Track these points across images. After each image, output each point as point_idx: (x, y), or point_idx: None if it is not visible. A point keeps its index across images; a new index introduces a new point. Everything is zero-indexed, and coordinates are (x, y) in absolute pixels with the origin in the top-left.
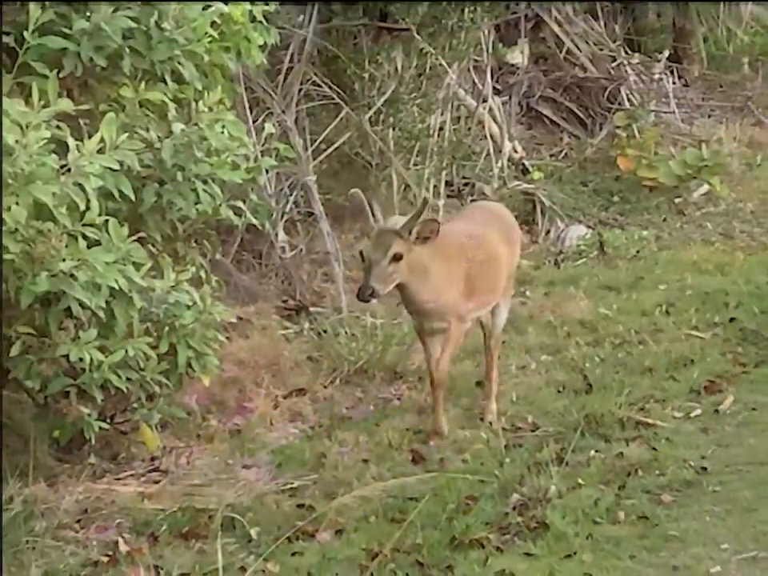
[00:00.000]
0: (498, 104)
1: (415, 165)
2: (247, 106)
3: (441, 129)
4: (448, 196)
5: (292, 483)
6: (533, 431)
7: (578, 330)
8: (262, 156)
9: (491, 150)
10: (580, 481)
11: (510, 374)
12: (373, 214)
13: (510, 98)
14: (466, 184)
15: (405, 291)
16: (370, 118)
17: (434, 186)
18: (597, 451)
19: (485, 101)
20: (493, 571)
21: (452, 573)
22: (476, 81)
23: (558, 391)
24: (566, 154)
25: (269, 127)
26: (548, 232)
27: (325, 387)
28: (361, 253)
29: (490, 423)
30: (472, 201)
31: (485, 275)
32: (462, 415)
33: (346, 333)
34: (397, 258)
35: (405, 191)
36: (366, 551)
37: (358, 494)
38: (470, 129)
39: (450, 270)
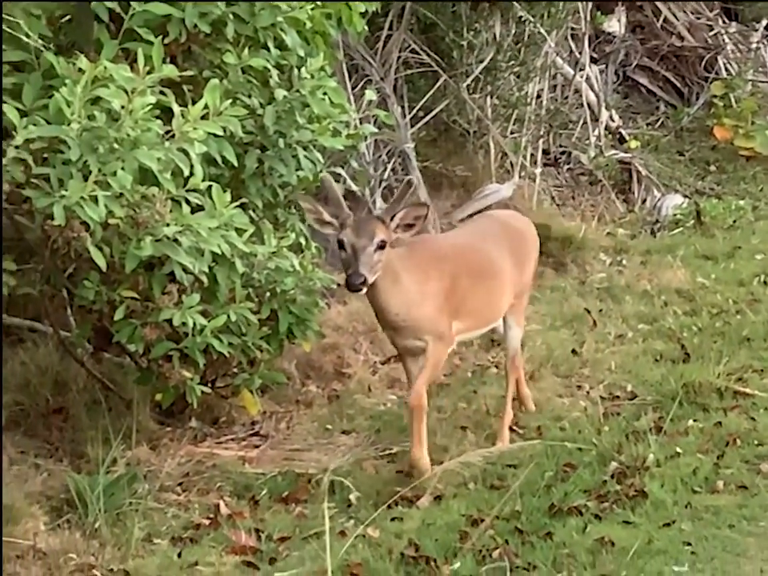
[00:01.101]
0: (595, 72)
1: (512, 133)
2: (346, 73)
3: (538, 97)
4: (545, 164)
5: (391, 449)
6: (630, 400)
7: (675, 299)
8: (361, 123)
9: (588, 119)
10: (678, 450)
11: (607, 343)
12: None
13: (607, 66)
14: (562, 152)
15: (375, 295)
16: (467, 85)
17: (531, 155)
18: (695, 420)
19: (582, 69)
20: (591, 539)
21: (551, 540)
22: (573, 49)
23: (656, 360)
24: (662, 123)
25: (369, 94)
26: (644, 201)
27: None
28: (340, 242)
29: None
30: (568, 169)
31: (475, 293)
32: (559, 384)
33: None
34: (382, 245)
35: (502, 159)
36: (465, 517)
37: (458, 461)
38: (566, 97)
39: (425, 283)
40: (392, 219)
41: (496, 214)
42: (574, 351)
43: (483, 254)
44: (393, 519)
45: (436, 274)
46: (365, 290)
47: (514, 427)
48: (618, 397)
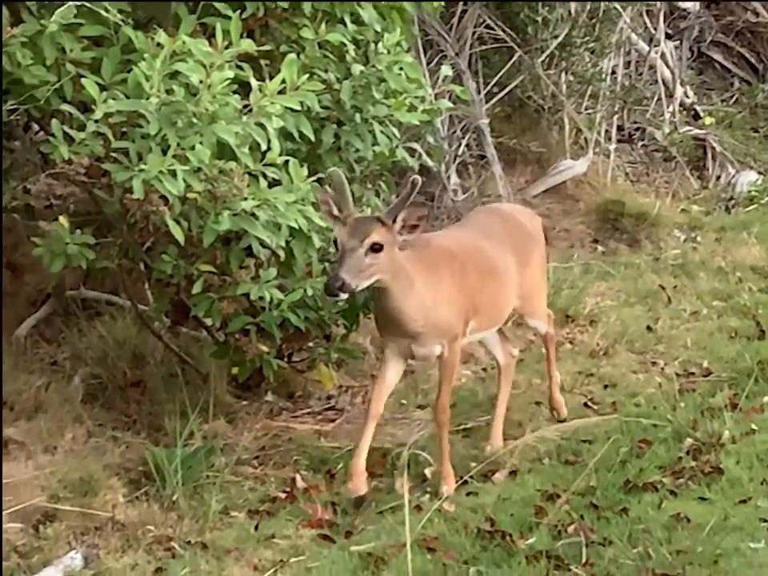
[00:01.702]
0: (670, 48)
1: (587, 109)
2: (421, 48)
3: (613, 73)
4: (619, 141)
5: (465, 424)
6: (705, 376)
7: (749, 275)
8: (436, 98)
9: (662, 95)
10: (754, 426)
11: (682, 319)
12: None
13: (682, 42)
14: (637, 129)
15: (387, 303)
16: (542, 61)
17: (605, 131)
18: None
19: (656, 45)
20: (667, 515)
21: (626, 515)
22: (648, 25)
23: (731, 337)
24: (736, 99)
25: (445, 69)
26: (719, 178)
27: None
28: (335, 241)
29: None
30: (642, 146)
31: (484, 290)
32: (634, 360)
33: None
34: (376, 248)
35: (576, 135)
36: (540, 492)
37: (535, 436)
38: (641, 73)
39: (438, 284)
40: (394, 221)
41: (496, 207)
42: (648, 327)
43: (485, 251)
44: (468, 494)
45: (448, 273)
46: (344, 296)
47: (589, 403)
48: (693, 373)
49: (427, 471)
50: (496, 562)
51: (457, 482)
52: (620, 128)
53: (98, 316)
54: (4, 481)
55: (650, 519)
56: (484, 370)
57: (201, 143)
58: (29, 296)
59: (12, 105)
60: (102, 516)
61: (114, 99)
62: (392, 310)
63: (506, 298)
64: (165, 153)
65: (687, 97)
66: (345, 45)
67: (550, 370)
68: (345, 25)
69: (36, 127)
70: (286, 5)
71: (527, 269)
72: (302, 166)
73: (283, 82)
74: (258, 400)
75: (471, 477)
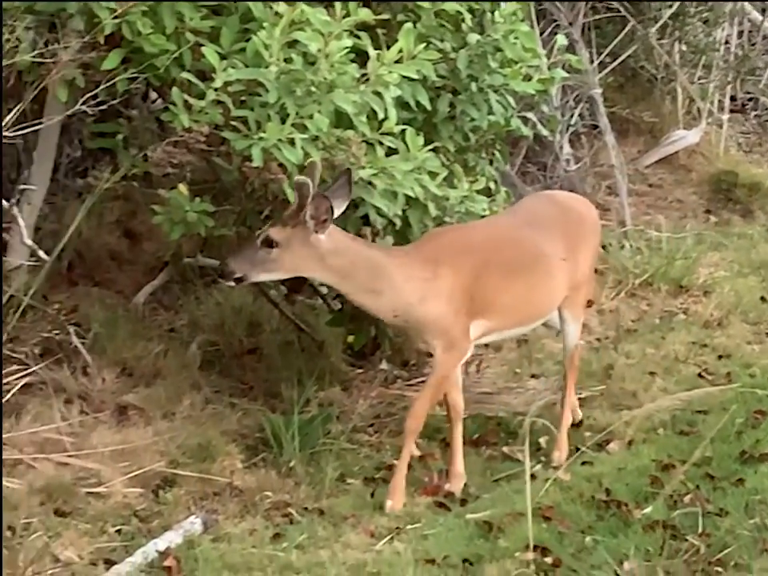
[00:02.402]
0: None
1: (699, 79)
2: (534, 18)
3: (726, 43)
4: (732, 111)
5: (579, 394)
6: None
7: None
8: (550, 68)
9: None
10: None
11: None
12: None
13: None
14: (750, 99)
15: (354, 299)
16: (655, 31)
17: (719, 101)
18: None
19: None
20: None
21: (742, 486)
22: None
23: None
24: None
25: (560, 39)
26: None
27: (610, 300)
28: None
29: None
30: (755, 116)
31: (508, 289)
32: (748, 330)
33: (631, 246)
34: (269, 242)
35: (689, 105)
36: (655, 462)
37: (651, 407)
38: (754, 44)
39: (432, 279)
40: (298, 218)
41: (550, 194)
42: (762, 298)
43: (524, 243)
44: (583, 463)
45: (449, 271)
46: (230, 283)
47: (703, 373)
48: None
49: (542, 440)
50: (612, 531)
51: (572, 451)
52: (733, 98)
53: (215, 284)
54: (124, 446)
55: (766, 490)
56: (598, 340)
57: (319, 112)
58: (147, 263)
59: (132, 73)
60: (221, 481)
61: (233, 68)
62: (365, 306)
63: (548, 290)
64: (284, 121)
65: None
66: (461, 14)
67: (565, 401)
68: None
69: (154, 96)
70: None
71: (580, 258)
72: (418, 134)
73: (400, 51)
74: (373, 368)
75: (587, 447)
